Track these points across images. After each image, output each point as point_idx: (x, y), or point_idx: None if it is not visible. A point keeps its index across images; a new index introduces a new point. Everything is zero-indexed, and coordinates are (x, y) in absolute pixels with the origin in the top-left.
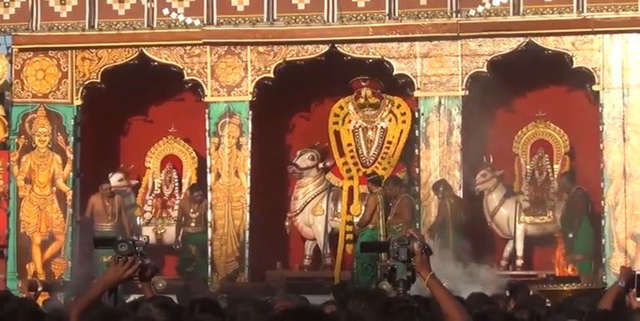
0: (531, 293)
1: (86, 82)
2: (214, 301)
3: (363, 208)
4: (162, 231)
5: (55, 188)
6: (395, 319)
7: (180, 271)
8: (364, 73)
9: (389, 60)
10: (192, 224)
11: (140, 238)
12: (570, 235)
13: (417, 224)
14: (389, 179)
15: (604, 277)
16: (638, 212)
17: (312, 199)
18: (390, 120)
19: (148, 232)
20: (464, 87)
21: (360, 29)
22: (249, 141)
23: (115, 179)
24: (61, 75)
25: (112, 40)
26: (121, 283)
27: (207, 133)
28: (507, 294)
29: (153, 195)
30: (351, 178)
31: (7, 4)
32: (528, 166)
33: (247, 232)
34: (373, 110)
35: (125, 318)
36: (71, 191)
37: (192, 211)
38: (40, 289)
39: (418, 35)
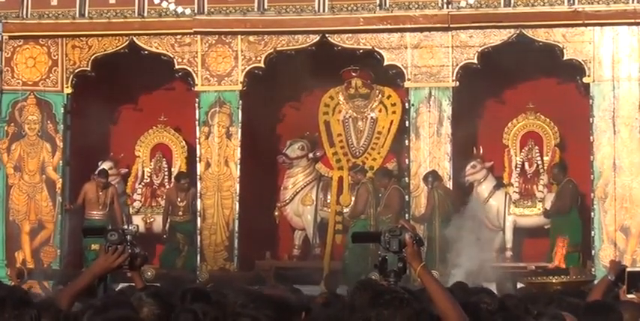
0: (519, 285)
1: (76, 71)
2: (206, 290)
3: (353, 198)
4: (152, 220)
5: (44, 176)
6: (385, 309)
7: (163, 261)
8: (355, 63)
9: (379, 50)
10: (180, 213)
11: (130, 227)
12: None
13: (407, 215)
14: (378, 171)
15: (593, 270)
16: (627, 205)
17: (302, 189)
18: (380, 110)
19: (137, 221)
20: (454, 78)
21: (351, 19)
22: (239, 130)
23: (104, 167)
24: (51, 63)
25: (102, 28)
26: (110, 272)
27: (197, 123)
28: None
29: (142, 184)
30: (341, 168)
31: None
32: (518, 158)
33: (236, 222)
34: (363, 100)
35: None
36: (61, 179)
37: (179, 199)
38: (26, 277)
39: (409, 26)
